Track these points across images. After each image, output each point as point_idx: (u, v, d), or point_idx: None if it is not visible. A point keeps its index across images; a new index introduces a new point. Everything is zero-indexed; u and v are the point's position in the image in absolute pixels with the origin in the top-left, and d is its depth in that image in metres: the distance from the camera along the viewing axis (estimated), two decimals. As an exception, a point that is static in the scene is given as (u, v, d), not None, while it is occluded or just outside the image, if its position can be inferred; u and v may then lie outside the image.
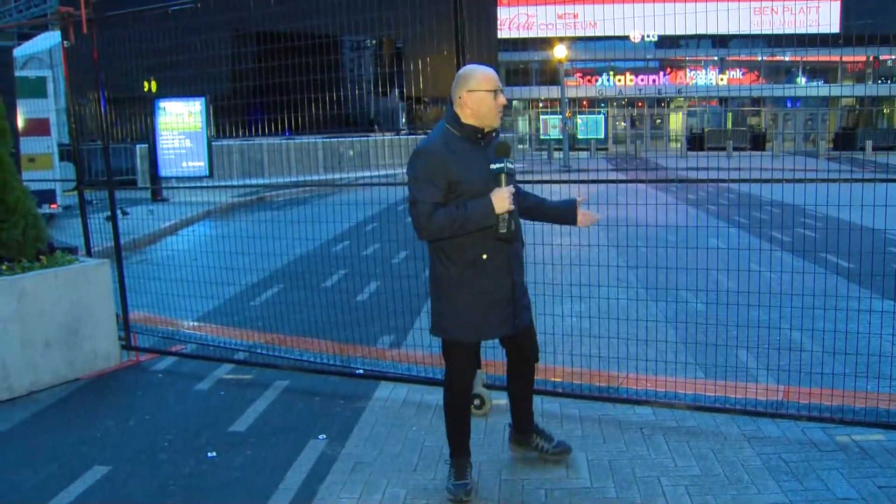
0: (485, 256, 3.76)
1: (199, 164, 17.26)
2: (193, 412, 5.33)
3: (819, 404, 4.78)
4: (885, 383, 5.34)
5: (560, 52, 32.77)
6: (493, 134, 3.87)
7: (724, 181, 5.58)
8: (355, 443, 4.68)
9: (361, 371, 5.73)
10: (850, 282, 8.54)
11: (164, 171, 17.30)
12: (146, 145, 18.76)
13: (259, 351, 6.39)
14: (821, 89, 47.88)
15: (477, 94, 3.72)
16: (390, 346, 6.75)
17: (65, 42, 6.35)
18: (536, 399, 4.60)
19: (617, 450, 4.48)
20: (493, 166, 3.72)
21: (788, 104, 49.25)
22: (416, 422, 4.99)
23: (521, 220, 4.05)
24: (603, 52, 44.11)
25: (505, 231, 3.66)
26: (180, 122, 17.21)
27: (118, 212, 6.78)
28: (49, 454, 4.65)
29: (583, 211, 4.13)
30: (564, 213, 4.15)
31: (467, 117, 3.76)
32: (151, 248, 12.20)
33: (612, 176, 5.85)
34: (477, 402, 5.03)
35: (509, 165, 3.75)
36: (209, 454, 4.57)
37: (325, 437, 4.76)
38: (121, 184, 17.44)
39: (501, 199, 3.62)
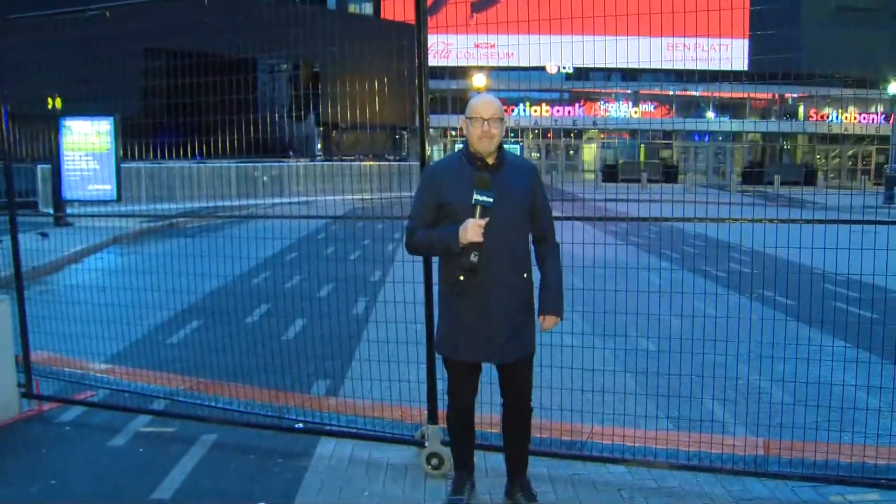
0: (461, 278, 3.75)
1: (106, 188, 16.26)
2: (108, 474, 4.63)
3: (803, 459, 4.45)
4: (858, 430, 4.97)
5: (479, 80, 32.75)
6: (500, 163, 3.84)
7: (685, 220, 5.25)
8: (299, 511, 4.11)
9: (301, 426, 5.12)
10: (790, 319, 8.36)
11: (69, 194, 16.21)
12: (48, 166, 17.73)
13: (181, 398, 5.71)
14: (732, 124, 49.23)
15: (468, 120, 3.83)
16: (326, 392, 6.17)
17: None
18: (497, 456, 4.21)
19: (596, 516, 4.03)
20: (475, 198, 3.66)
21: (696, 138, 50.47)
22: (368, 485, 4.43)
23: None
24: (519, 82, 44.39)
25: (466, 262, 3.62)
26: (87, 142, 16.22)
27: (37, 235, 6.02)
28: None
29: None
30: (542, 301, 3.97)
31: (470, 143, 3.84)
32: (52, 277, 11.26)
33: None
34: (435, 461, 4.52)
35: (478, 198, 3.64)
36: (129, 530, 3.93)
37: (264, 505, 4.17)
38: (21, 206, 16.32)
39: (465, 231, 3.61)
